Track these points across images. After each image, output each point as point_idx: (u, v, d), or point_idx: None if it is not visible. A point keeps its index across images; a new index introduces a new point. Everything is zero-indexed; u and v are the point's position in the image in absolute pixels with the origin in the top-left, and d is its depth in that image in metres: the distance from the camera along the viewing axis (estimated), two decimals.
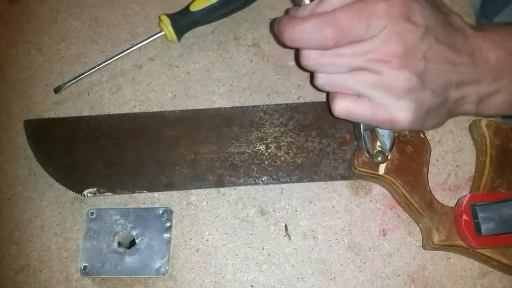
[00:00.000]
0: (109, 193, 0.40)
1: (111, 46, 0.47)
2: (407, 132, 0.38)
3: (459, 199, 0.37)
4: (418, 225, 0.39)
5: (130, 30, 0.48)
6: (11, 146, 0.44)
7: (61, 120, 0.43)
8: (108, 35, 0.48)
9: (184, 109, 0.43)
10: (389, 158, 0.38)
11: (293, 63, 0.45)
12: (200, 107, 0.44)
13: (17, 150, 0.44)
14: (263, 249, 0.39)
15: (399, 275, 0.38)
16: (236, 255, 0.39)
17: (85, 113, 0.44)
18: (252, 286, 0.38)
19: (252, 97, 0.44)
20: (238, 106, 0.43)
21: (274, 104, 0.42)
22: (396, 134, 0.38)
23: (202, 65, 0.46)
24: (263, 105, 0.42)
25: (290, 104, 0.42)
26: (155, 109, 0.44)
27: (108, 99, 0.45)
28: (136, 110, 0.44)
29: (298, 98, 0.44)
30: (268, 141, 0.41)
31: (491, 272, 0.38)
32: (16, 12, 0.50)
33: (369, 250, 0.39)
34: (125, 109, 0.44)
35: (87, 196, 0.40)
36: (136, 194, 0.41)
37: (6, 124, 0.45)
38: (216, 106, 0.44)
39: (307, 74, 0.45)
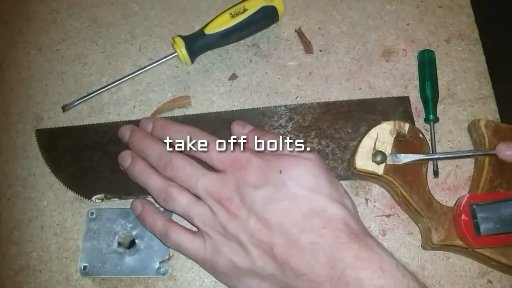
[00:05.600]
0: (116, 199, 0.41)
1: (111, 46, 0.47)
2: (406, 132, 0.38)
3: (458, 199, 0.37)
4: (417, 225, 0.39)
5: (129, 30, 0.48)
6: (11, 146, 0.44)
7: (69, 129, 0.44)
8: (108, 35, 0.48)
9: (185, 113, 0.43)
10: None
11: (292, 63, 0.45)
12: (199, 107, 0.44)
13: (17, 150, 0.44)
14: None
15: None
16: None
17: (84, 113, 0.44)
18: None
19: (252, 97, 0.44)
20: (237, 110, 0.43)
21: (273, 106, 0.42)
22: (395, 135, 0.38)
23: (201, 65, 0.46)
24: (262, 108, 0.42)
25: (289, 105, 0.42)
26: (155, 108, 0.44)
27: (108, 99, 0.45)
28: (135, 110, 0.44)
29: (296, 98, 0.44)
30: None
31: (490, 272, 0.38)
32: (16, 12, 0.50)
33: None
34: (124, 109, 0.44)
35: (95, 201, 0.41)
36: None
37: (6, 124, 0.45)
38: (215, 106, 0.44)
39: (306, 74, 0.45)
